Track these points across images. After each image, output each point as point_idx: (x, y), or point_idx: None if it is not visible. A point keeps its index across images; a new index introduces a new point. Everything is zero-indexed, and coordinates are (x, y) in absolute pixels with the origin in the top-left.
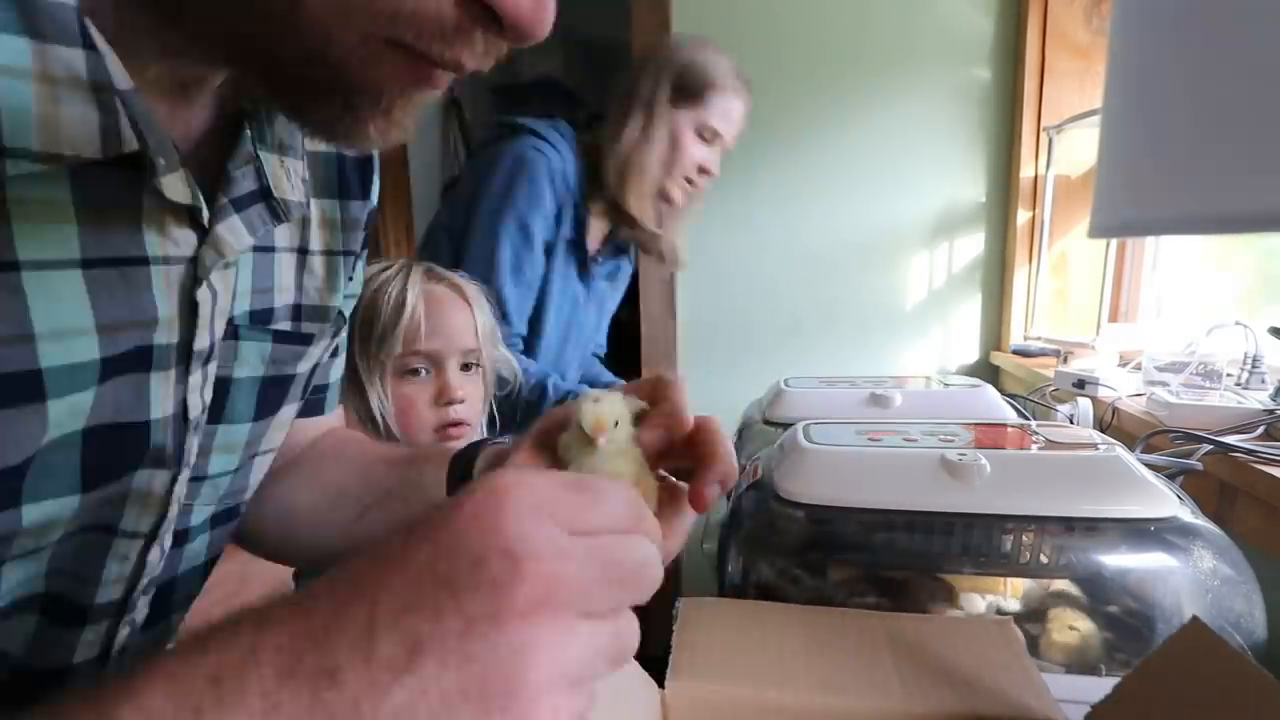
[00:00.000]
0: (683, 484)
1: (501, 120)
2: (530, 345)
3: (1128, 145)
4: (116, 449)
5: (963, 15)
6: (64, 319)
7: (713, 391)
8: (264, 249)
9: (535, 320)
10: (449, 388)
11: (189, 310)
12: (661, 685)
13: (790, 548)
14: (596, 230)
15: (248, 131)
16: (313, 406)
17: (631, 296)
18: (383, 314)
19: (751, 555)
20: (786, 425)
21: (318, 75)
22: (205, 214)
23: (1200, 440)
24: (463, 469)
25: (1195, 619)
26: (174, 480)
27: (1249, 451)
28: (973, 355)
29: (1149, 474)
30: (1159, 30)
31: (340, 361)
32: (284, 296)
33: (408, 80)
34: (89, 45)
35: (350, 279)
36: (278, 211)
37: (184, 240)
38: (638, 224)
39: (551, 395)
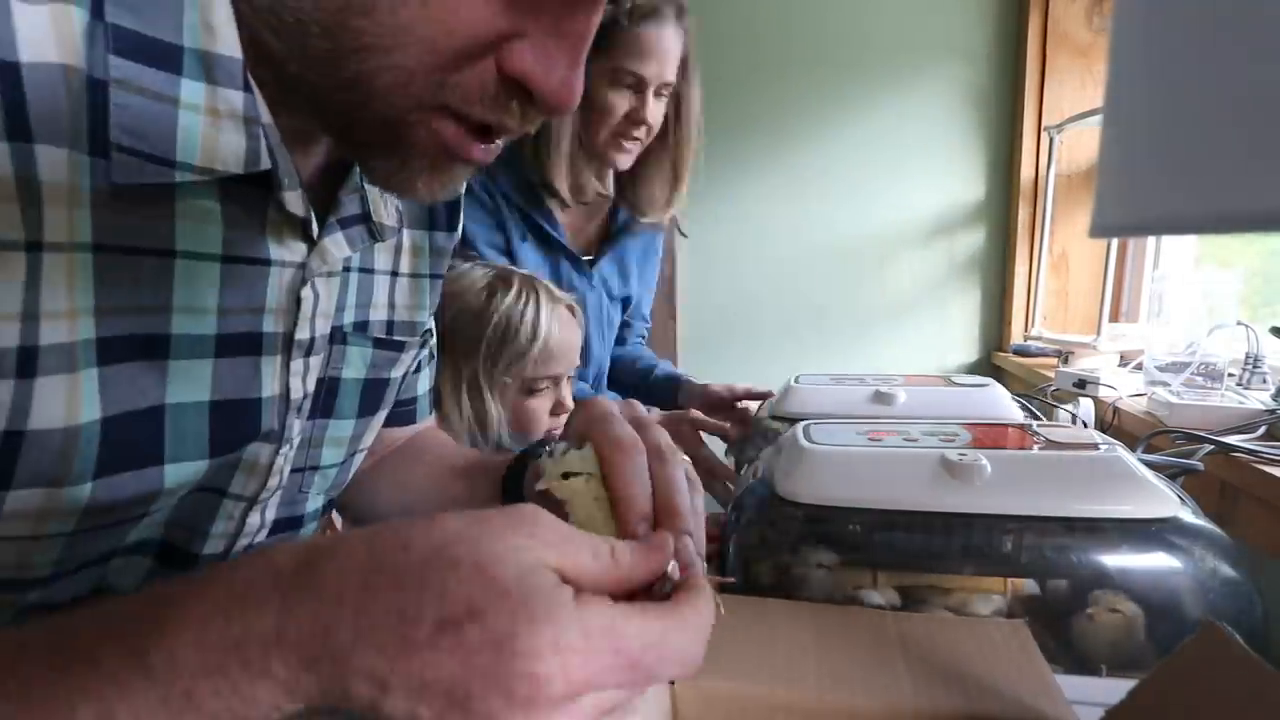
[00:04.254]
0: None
1: None
2: None
3: (1128, 145)
4: (237, 421)
5: (963, 15)
6: (196, 299)
7: None
8: (366, 270)
9: None
10: (565, 402)
11: (294, 306)
12: (671, 681)
13: (790, 548)
14: (578, 221)
15: (356, 168)
16: (402, 417)
17: None
18: (518, 339)
19: (750, 555)
20: (794, 420)
21: (384, 136)
22: (315, 228)
23: (1201, 440)
24: (513, 479)
25: (1210, 622)
26: (276, 453)
27: (1250, 452)
28: (973, 355)
29: (1150, 474)
30: (1160, 29)
31: (425, 376)
32: (379, 312)
33: (457, 146)
34: (247, 89)
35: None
36: (375, 232)
37: (296, 249)
38: (557, 194)
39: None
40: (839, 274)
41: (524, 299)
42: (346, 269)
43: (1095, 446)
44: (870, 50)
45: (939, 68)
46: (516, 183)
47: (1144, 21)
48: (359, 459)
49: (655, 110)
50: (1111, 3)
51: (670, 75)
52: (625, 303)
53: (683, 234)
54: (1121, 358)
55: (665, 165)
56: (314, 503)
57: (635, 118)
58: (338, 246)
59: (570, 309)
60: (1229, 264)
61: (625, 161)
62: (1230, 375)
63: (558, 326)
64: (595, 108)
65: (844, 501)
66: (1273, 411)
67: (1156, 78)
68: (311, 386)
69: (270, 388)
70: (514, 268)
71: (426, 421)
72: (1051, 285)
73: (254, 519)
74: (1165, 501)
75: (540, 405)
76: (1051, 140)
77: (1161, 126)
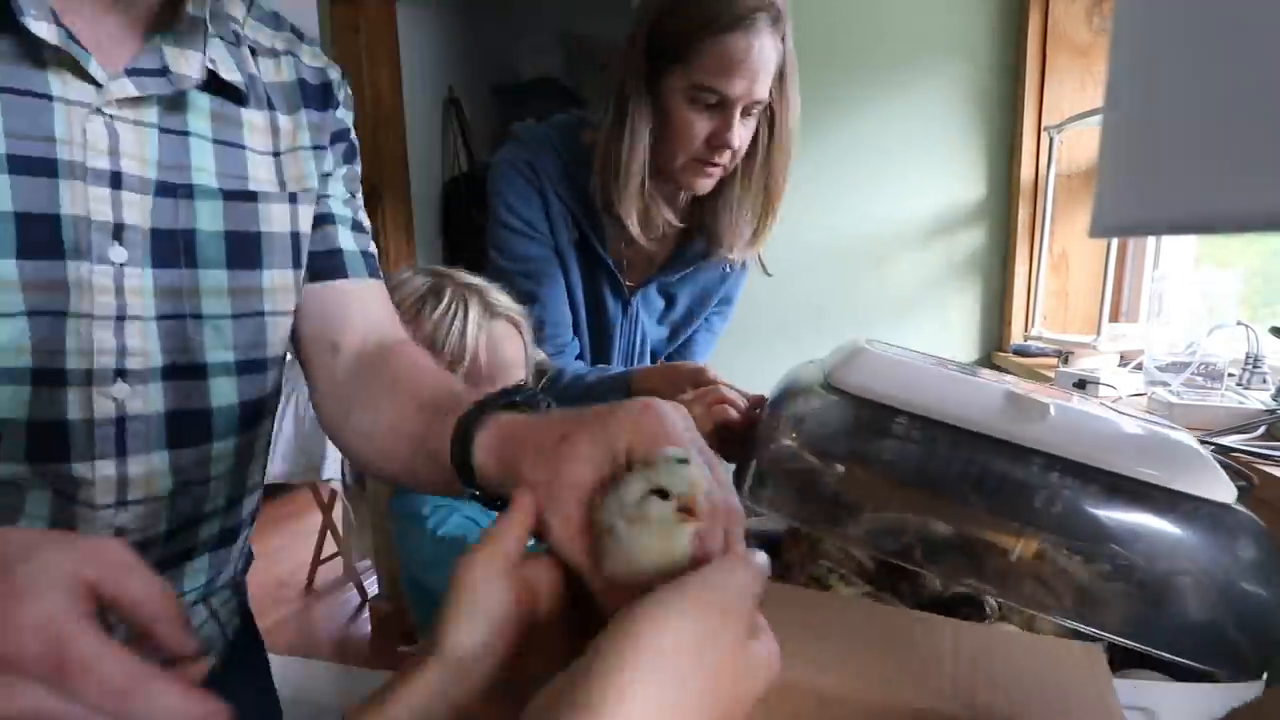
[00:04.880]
0: None
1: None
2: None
3: (1128, 145)
4: (40, 230)
5: (963, 14)
6: None
7: None
8: (235, 145)
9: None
10: None
11: (84, 139)
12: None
13: (825, 439)
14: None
15: (157, 34)
16: (329, 271)
17: None
18: (443, 358)
19: (780, 437)
20: None
21: None
22: (99, 72)
23: (1201, 441)
24: (464, 435)
25: None
26: (92, 271)
27: (1250, 452)
28: (973, 355)
29: (1211, 457)
30: (1160, 29)
31: (346, 234)
32: (261, 185)
33: None
34: None
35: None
36: (172, 82)
37: (83, 90)
38: (626, 229)
39: (566, 379)
40: (838, 274)
41: (452, 312)
42: (190, 134)
43: (1157, 422)
44: (870, 50)
45: (939, 67)
46: (573, 186)
47: (1144, 21)
48: (276, 323)
49: (742, 133)
50: (1111, 3)
51: (761, 93)
52: (672, 339)
53: (767, 273)
54: (1121, 358)
55: (755, 192)
56: (218, 355)
57: (717, 141)
58: (121, 88)
59: (512, 321)
60: (1229, 264)
61: (705, 186)
62: (1230, 375)
63: (487, 343)
64: (671, 129)
65: (898, 402)
66: (1273, 411)
67: (1156, 78)
68: (132, 220)
69: (70, 208)
70: (455, 273)
71: (366, 282)
72: (1051, 285)
73: (103, 335)
74: (1224, 486)
75: None
76: (1051, 140)
77: (1161, 126)
